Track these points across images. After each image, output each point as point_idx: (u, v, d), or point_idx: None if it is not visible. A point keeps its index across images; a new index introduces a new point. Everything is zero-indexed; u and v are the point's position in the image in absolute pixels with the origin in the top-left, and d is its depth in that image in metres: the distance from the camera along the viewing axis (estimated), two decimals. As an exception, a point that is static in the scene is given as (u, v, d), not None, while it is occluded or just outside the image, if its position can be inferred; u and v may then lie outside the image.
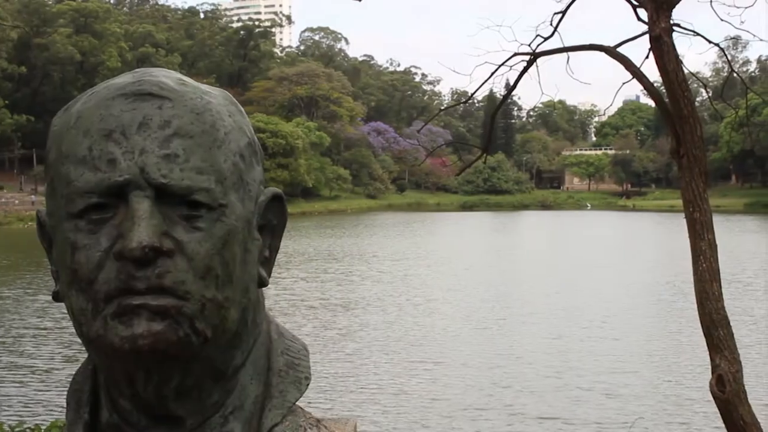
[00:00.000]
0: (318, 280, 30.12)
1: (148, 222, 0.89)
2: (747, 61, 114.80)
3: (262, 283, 1.04)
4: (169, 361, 0.93)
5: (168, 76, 0.98)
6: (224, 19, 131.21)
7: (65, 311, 1.00)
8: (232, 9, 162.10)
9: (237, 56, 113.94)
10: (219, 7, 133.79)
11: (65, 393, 1.08)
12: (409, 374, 15.56)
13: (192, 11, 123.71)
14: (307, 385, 1.08)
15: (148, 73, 0.98)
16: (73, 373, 1.08)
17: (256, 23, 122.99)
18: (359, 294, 26.46)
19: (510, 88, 8.57)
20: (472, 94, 8.61)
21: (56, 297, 1.01)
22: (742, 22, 7.24)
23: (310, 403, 7.36)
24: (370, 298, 25.43)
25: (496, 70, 7.31)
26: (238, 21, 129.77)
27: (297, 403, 1.06)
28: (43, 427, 6.20)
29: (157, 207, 0.91)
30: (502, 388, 14.45)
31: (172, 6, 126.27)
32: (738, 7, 6.90)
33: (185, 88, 0.98)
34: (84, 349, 1.02)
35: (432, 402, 13.57)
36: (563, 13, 7.31)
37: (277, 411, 1.02)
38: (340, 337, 19.17)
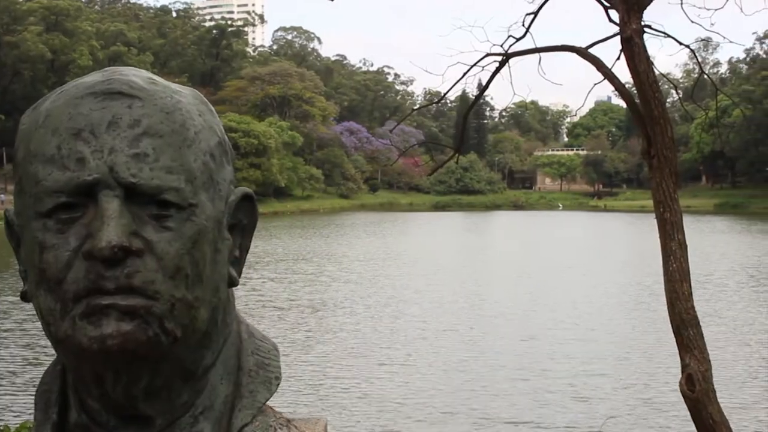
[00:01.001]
0: (287, 280, 29.86)
1: (118, 221, 0.89)
2: (717, 63, 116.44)
3: (233, 282, 1.03)
4: (139, 361, 0.93)
5: (138, 75, 0.98)
6: (197, 18, 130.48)
7: (28, 313, 0.99)
8: (204, 8, 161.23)
9: (209, 55, 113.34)
10: (191, 6, 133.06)
11: (30, 395, 1.07)
12: (377, 377, 15.36)
13: (164, 10, 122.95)
14: (278, 385, 1.07)
15: (117, 72, 0.97)
16: (38, 375, 1.06)
17: (229, 22, 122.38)
18: (328, 295, 26.21)
19: (482, 89, 8.60)
20: (445, 95, 8.63)
21: (24, 297, 1.01)
22: (712, 24, 7.32)
23: (277, 404, 7.37)
24: (339, 300, 25.22)
25: (468, 70, 7.34)
26: (210, 20, 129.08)
27: (267, 403, 1.06)
28: (13, 429, 6.09)
29: (127, 206, 0.91)
30: (471, 391, 14.27)
31: (144, 5, 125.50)
32: (708, 9, 6.98)
33: (155, 87, 0.97)
34: (48, 350, 1.01)
35: (401, 405, 13.37)
36: (535, 14, 7.36)
37: (247, 411, 1.02)
38: (308, 339, 18.95)
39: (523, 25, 7.34)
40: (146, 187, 0.91)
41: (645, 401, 13.60)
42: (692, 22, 7.06)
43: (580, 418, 12.60)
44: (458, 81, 7.71)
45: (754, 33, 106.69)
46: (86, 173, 0.91)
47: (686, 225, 6.07)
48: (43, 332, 0.97)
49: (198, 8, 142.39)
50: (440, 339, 18.98)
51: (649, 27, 6.28)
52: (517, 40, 7.30)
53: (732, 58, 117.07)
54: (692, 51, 8.08)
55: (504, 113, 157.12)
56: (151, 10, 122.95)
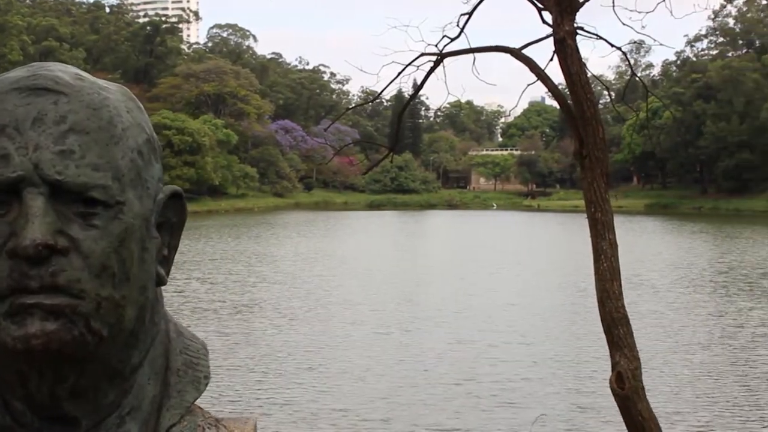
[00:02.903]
0: (214, 281, 29.23)
1: (42, 219, 0.88)
2: (650, 65, 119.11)
3: (161, 281, 1.03)
4: (64, 361, 0.92)
5: (64, 71, 0.97)
6: (130, 14, 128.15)
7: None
8: (138, 4, 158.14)
9: (143, 52, 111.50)
10: (125, 2, 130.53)
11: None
12: (305, 382, 14.87)
13: (97, 5, 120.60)
14: (206, 384, 1.07)
15: (43, 68, 0.96)
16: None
17: (163, 19, 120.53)
18: (256, 296, 25.65)
19: (417, 88, 8.59)
20: (379, 94, 8.57)
21: None
22: (644, 27, 7.45)
23: (206, 404, 7.18)
24: (268, 301, 24.73)
25: (402, 69, 7.32)
26: (144, 16, 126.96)
27: (196, 402, 1.06)
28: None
29: (52, 204, 0.89)
30: (401, 396, 13.92)
31: (77, 0, 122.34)
32: (640, 12, 7.09)
33: (82, 83, 0.96)
34: None
35: (330, 412, 12.99)
36: (469, 14, 7.37)
37: (175, 411, 1.02)
38: (234, 342, 18.37)
39: (458, 25, 7.35)
40: (72, 184, 0.90)
41: (577, 398, 13.73)
42: (624, 24, 7.17)
43: (511, 421, 12.52)
44: (393, 80, 7.69)
45: (685, 36, 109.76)
46: (10, 170, 0.89)
47: (617, 225, 6.15)
48: None
49: (132, 4, 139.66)
50: (372, 342, 18.60)
51: (582, 29, 6.34)
52: (452, 40, 7.30)
53: (665, 60, 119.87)
54: (624, 53, 8.21)
55: (439, 113, 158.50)
56: (84, 6, 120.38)
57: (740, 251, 41.53)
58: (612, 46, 7.10)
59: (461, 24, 7.25)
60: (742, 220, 72.43)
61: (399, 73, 7.38)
